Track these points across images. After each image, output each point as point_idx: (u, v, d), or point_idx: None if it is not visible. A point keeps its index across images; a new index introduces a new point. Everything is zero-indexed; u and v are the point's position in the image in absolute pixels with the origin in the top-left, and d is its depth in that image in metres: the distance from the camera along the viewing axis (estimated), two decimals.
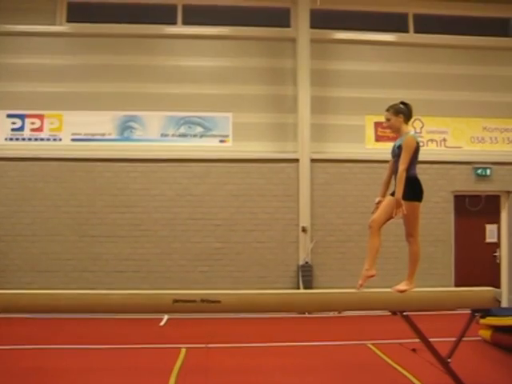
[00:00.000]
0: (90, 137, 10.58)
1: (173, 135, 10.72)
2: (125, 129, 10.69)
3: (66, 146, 10.52)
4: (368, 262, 4.81)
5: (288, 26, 11.12)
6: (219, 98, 10.77)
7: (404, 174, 4.69)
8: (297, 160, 10.62)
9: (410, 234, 4.84)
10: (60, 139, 10.57)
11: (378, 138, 11.03)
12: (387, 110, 4.96)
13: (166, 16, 11.02)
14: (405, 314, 4.73)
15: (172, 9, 11.01)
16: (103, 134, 10.59)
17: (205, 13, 11.09)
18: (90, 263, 10.28)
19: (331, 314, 9.52)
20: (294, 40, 10.96)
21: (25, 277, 10.09)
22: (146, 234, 10.38)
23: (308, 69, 10.73)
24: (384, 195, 5.10)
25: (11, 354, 6.97)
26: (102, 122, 10.61)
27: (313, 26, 10.87)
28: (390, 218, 4.83)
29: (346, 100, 10.91)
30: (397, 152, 4.85)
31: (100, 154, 10.43)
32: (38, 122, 10.60)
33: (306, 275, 10.34)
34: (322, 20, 11.04)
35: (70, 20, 10.89)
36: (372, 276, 4.77)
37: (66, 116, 10.58)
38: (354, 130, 10.91)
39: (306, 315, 9.71)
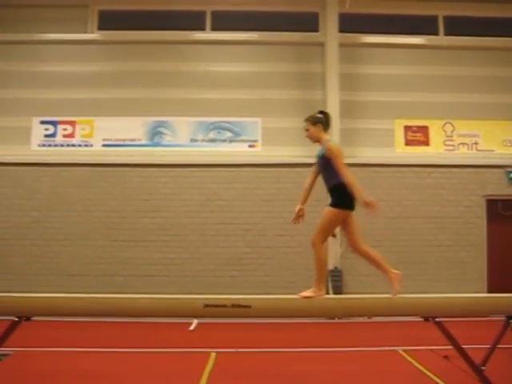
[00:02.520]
0: (120, 142, 10.71)
1: (202, 140, 10.79)
2: (155, 134, 10.79)
3: (97, 152, 10.67)
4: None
5: (316, 30, 11.11)
6: (248, 103, 10.81)
7: (351, 179, 4.58)
8: None
9: (319, 238, 4.69)
10: (91, 145, 10.73)
11: (408, 142, 10.93)
12: (305, 121, 4.90)
13: (195, 22, 11.12)
14: (437, 319, 4.65)
15: (201, 15, 11.10)
16: (133, 140, 10.71)
17: (233, 18, 11.15)
18: (121, 267, 10.39)
19: (361, 319, 9.42)
20: (322, 44, 10.94)
21: (57, 280, 10.23)
22: (176, 239, 10.45)
23: (337, 73, 10.70)
24: (304, 203, 5.02)
25: (44, 356, 7.07)
26: (133, 128, 10.74)
27: (341, 30, 10.84)
28: (355, 225, 4.78)
29: (376, 104, 10.84)
30: (320, 162, 4.81)
31: (130, 160, 10.55)
32: (69, 128, 10.77)
33: (335, 280, 10.28)
34: (351, 24, 11.01)
35: (101, 28, 11.08)
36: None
37: (97, 122, 10.74)
38: (384, 134, 10.82)
39: (336, 320, 9.62)
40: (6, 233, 10.48)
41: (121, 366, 6.65)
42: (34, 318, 4.98)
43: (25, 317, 4.90)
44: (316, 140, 4.87)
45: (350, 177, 4.59)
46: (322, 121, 4.84)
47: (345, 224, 4.79)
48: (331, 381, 5.97)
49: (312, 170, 4.98)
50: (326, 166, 4.75)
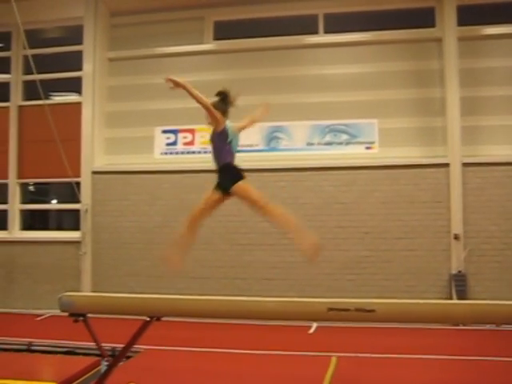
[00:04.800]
0: (238, 148, 10.93)
1: (318, 144, 10.76)
2: (271, 139, 10.94)
3: None
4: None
5: (433, 25, 10.72)
6: (364, 105, 10.64)
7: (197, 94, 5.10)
8: (447, 164, 10.16)
9: (263, 203, 5.12)
10: (210, 152, 11.03)
11: None
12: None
13: (307, 26, 11.13)
14: None
15: (313, 18, 11.11)
16: (251, 145, 10.89)
17: (346, 20, 11.05)
18: (240, 270, 10.60)
19: (488, 326, 8.98)
20: (439, 40, 10.53)
21: (180, 283, 10.62)
22: (294, 243, 10.45)
23: (456, 69, 10.24)
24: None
25: (171, 355, 7.40)
26: (250, 134, 10.88)
27: (460, 23, 10.37)
28: (210, 210, 5.26)
29: (500, 99, 10.23)
30: (212, 139, 5.34)
31: (248, 165, 10.54)
32: (189, 136, 11.19)
33: (459, 285, 9.84)
34: (470, 16, 10.48)
35: (216, 38, 11.41)
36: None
37: None
38: (510, 131, 10.22)
39: (461, 327, 9.24)
40: (133, 237, 11.08)
41: (242, 367, 6.81)
42: (162, 319, 5.24)
43: (156, 317, 5.16)
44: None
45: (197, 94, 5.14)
46: (215, 105, 5.30)
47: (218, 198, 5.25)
48: None
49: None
50: (215, 143, 5.28)
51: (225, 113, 5.22)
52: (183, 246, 5.14)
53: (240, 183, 4.99)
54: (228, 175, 5.01)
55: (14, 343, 8.24)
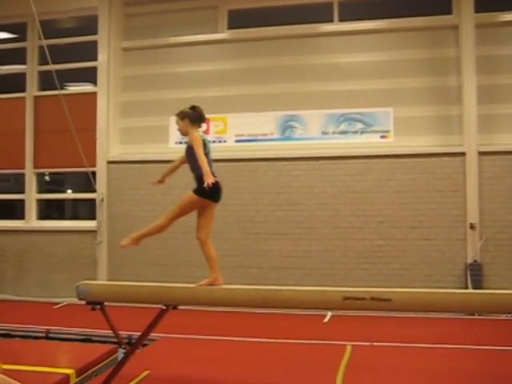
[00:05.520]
0: (252, 137, 10.96)
1: (333, 133, 10.72)
2: (286, 128, 10.92)
3: (230, 147, 10.99)
4: (212, 271, 5.02)
5: (449, 12, 10.59)
6: (379, 93, 10.57)
7: (203, 161, 4.95)
8: (463, 153, 10.07)
9: (170, 215, 5.28)
10: (225, 141, 11.07)
11: None
12: (176, 115, 5.30)
13: (322, 14, 11.05)
14: None
15: (328, 7, 11.02)
16: (265, 134, 10.91)
17: (361, 7, 10.94)
18: (255, 260, 10.63)
19: (503, 316, 8.95)
20: (456, 27, 10.40)
21: (196, 272, 10.58)
22: (309, 232, 10.48)
23: (473, 56, 10.12)
24: (162, 179, 5.83)
25: (187, 343, 7.47)
26: (264, 123, 10.93)
27: (477, 9, 10.24)
28: (211, 218, 5.16)
29: None
30: (188, 152, 5.13)
31: (263, 154, 10.74)
32: (204, 126, 11.19)
33: (474, 274, 9.80)
34: (488, 2, 10.32)
35: (230, 27, 11.38)
36: (218, 284, 4.96)
37: (230, 118, 11.07)
38: None
39: (475, 317, 9.22)
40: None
41: (258, 355, 6.85)
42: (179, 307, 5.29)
43: (172, 305, 5.22)
44: (184, 133, 5.32)
45: (203, 159, 4.96)
46: (189, 115, 5.27)
47: (203, 212, 5.21)
48: (469, 381, 5.72)
49: (180, 156, 5.49)
50: (192, 154, 5.10)
51: (199, 126, 5.31)
52: (216, 264, 5.19)
53: (192, 194, 5.07)
54: (202, 184, 5.05)
55: (33, 330, 8.38)
